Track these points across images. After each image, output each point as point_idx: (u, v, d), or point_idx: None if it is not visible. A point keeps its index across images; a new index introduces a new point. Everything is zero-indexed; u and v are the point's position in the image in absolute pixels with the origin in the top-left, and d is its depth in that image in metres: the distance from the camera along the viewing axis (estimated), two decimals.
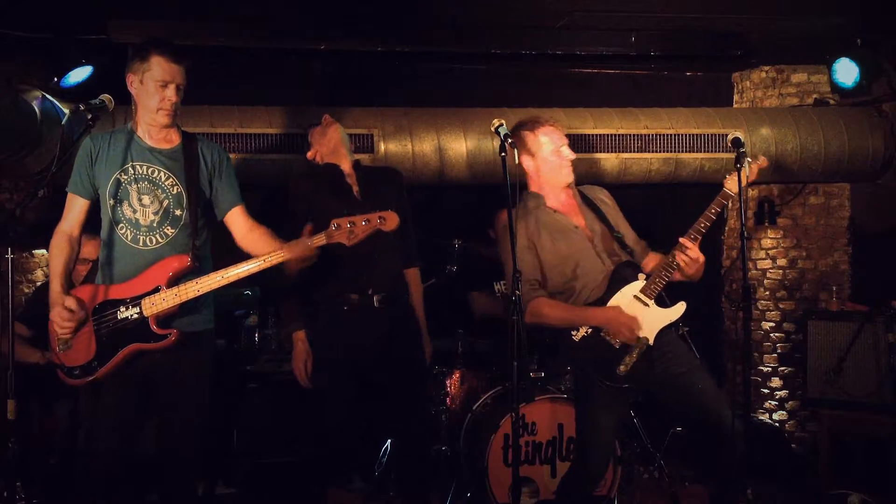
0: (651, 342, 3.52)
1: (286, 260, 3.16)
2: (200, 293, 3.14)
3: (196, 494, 3.56)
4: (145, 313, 3.12)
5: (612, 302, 3.54)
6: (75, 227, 3.25)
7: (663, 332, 3.54)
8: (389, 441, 4.91)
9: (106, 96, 3.11)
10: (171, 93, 3.16)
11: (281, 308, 4.15)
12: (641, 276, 3.57)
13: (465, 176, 5.25)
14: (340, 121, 5.08)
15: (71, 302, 3.10)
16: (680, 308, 3.56)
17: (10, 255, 2.77)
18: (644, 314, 3.51)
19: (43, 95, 4.58)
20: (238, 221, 3.35)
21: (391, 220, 3.17)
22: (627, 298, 3.53)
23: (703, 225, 3.53)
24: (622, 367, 3.47)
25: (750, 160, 3.55)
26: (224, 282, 3.14)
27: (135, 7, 4.61)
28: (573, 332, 3.53)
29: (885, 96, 5.54)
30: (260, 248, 3.27)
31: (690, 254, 3.45)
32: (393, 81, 5.64)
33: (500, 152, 3.30)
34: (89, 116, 3.05)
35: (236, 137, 4.93)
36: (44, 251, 4.79)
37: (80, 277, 4.34)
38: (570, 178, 3.67)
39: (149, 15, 4.70)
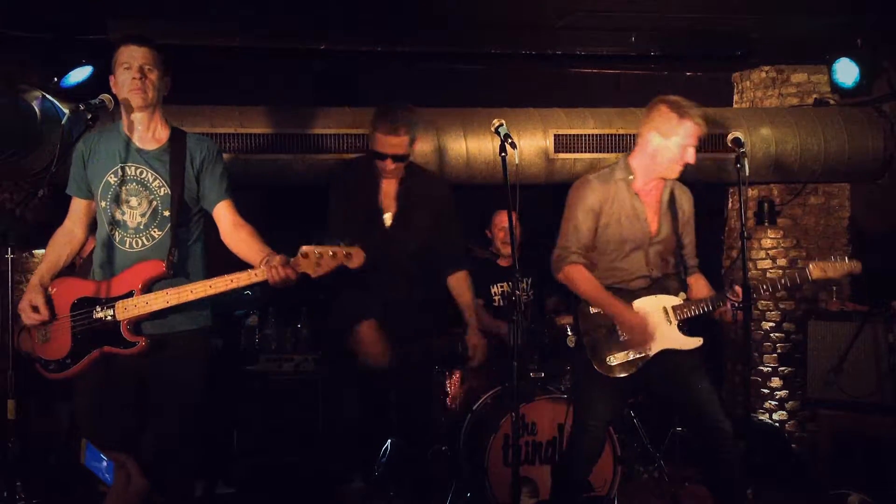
0: (650, 356, 3.56)
1: (260, 280, 3.09)
2: (169, 304, 3.12)
3: (193, 494, 3.56)
4: (118, 317, 3.12)
5: (643, 302, 3.59)
6: (76, 226, 3.27)
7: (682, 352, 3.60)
8: (389, 441, 4.90)
9: (106, 96, 3.10)
10: (135, 72, 3.12)
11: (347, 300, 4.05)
12: (682, 295, 3.63)
13: (464, 176, 5.24)
14: (340, 120, 5.10)
15: (39, 300, 3.12)
16: (695, 342, 3.61)
17: (10, 255, 2.77)
18: (662, 329, 3.56)
19: (43, 95, 4.58)
20: (223, 217, 3.30)
21: (357, 258, 3.10)
22: (657, 307, 3.57)
23: (764, 288, 3.61)
24: (612, 360, 3.54)
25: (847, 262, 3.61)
26: (194, 296, 3.11)
27: (135, 7, 4.61)
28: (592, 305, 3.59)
29: (885, 96, 5.54)
30: (242, 250, 3.23)
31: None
32: (393, 81, 5.64)
33: (500, 152, 3.30)
34: (89, 116, 3.04)
35: (236, 137, 4.93)
36: (44, 251, 4.78)
37: None
38: (675, 175, 3.60)
39: (149, 15, 4.70)
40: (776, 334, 5.89)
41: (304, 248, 3.07)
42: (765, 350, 5.91)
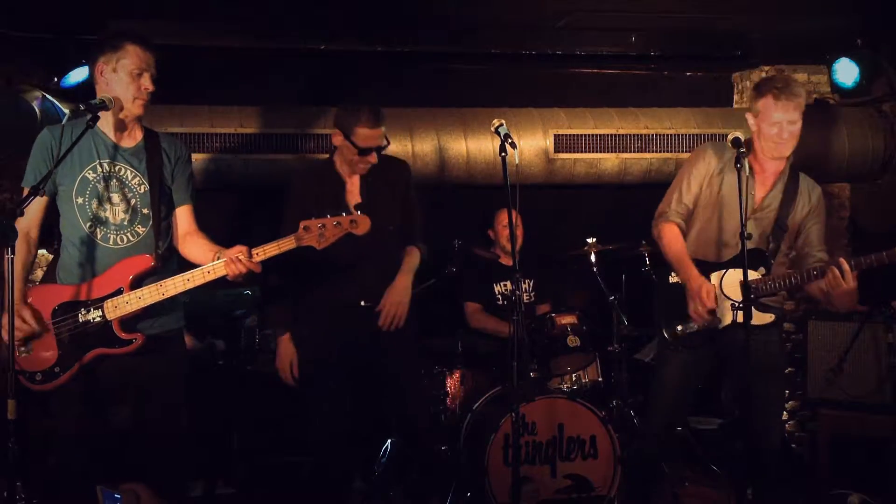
0: (719, 328, 3.60)
1: (218, 277, 3.09)
2: (165, 297, 3.07)
3: (184, 493, 3.54)
4: (108, 317, 3.06)
5: (717, 275, 3.63)
6: (33, 227, 3.16)
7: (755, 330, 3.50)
8: (390, 441, 4.90)
9: (106, 96, 3.08)
10: (147, 81, 3.10)
11: (268, 311, 4.13)
12: (761, 270, 3.63)
13: (464, 176, 5.24)
14: None
15: (26, 313, 3.03)
16: (765, 317, 3.61)
17: (10, 255, 2.75)
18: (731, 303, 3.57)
19: (43, 95, 4.58)
20: (182, 221, 3.28)
21: (363, 224, 3.11)
22: (730, 280, 3.58)
23: (867, 261, 3.53)
24: (679, 328, 3.62)
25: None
26: (190, 285, 3.07)
27: (135, 7, 4.61)
28: (672, 274, 3.68)
29: (885, 96, 5.54)
30: (195, 254, 3.22)
31: (842, 276, 3.46)
32: (393, 81, 5.64)
33: (500, 152, 3.30)
34: (89, 116, 3.04)
35: (236, 137, 4.93)
36: (44, 251, 4.78)
37: None
38: (786, 153, 3.59)
39: (149, 15, 4.70)
40: None
41: (305, 223, 3.06)
42: None
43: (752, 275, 3.58)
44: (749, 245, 3.58)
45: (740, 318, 3.51)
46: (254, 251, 3.07)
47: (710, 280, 3.62)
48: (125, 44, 3.08)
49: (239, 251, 3.05)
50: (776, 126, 3.54)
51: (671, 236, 3.67)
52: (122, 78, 3.08)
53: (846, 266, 3.46)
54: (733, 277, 3.58)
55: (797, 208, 3.71)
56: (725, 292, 3.59)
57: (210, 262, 3.11)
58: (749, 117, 3.65)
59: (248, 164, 4.95)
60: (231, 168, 4.93)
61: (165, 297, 3.08)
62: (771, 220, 3.67)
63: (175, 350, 3.27)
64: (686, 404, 3.97)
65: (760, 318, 3.59)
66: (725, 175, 3.66)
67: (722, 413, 5.53)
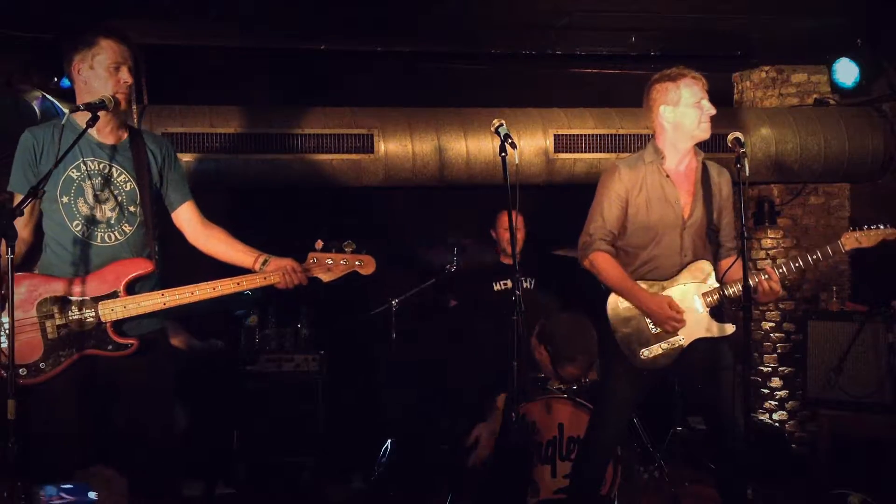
0: (685, 346, 3.53)
1: (271, 284, 3.08)
2: (167, 307, 3.03)
3: (178, 493, 3.51)
4: (103, 319, 3.00)
5: (672, 292, 3.54)
6: (24, 228, 3.09)
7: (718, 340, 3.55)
8: (389, 441, 4.91)
9: (106, 96, 3.04)
10: (125, 74, 3.04)
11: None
12: (713, 280, 3.57)
13: (464, 176, 5.25)
14: (340, 120, 5.11)
15: None
16: (728, 328, 3.58)
17: (10, 255, 2.74)
18: (694, 317, 3.53)
19: (43, 95, 4.57)
20: (190, 217, 3.23)
21: (368, 265, 3.15)
22: (687, 295, 3.54)
23: (795, 265, 3.53)
24: (645, 353, 3.50)
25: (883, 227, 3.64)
26: (194, 298, 3.03)
27: (135, 7, 4.60)
28: (619, 301, 3.56)
29: (885, 96, 5.54)
30: (221, 250, 3.19)
31: (771, 284, 3.45)
32: (393, 81, 5.64)
33: (500, 152, 3.30)
34: (89, 117, 3.02)
35: (236, 137, 4.93)
36: None
37: None
38: (708, 133, 3.54)
39: (149, 15, 4.70)
40: (776, 334, 5.89)
41: (314, 254, 3.09)
42: (765, 350, 5.91)
43: (704, 287, 3.56)
44: (689, 258, 3.57)
45: (704, 333, 3.54)
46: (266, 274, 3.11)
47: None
48: (98, 39, 3.04)
49: (291, 264, 3.08)
50: (696, 108, 3.52)
51: (605, 264, 3.55)
52: (100, 74, 3.04)
53: (773, 273, 3.48)
54: (683, 293, 3.55)
55: (716, 203, 3.64)
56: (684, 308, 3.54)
57: (254, 267, 3.12)
58: (664, 111, 3.55)
59: (247, 164, 4.95)
60: (230, 168, 4.94)
61: (167, 307, 3.04)
62: (703, 226, 3.60)
63: (160, 350, 3.19)
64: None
65: (723, 329, 3.58)
66: (643, 190, 3.56)
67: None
